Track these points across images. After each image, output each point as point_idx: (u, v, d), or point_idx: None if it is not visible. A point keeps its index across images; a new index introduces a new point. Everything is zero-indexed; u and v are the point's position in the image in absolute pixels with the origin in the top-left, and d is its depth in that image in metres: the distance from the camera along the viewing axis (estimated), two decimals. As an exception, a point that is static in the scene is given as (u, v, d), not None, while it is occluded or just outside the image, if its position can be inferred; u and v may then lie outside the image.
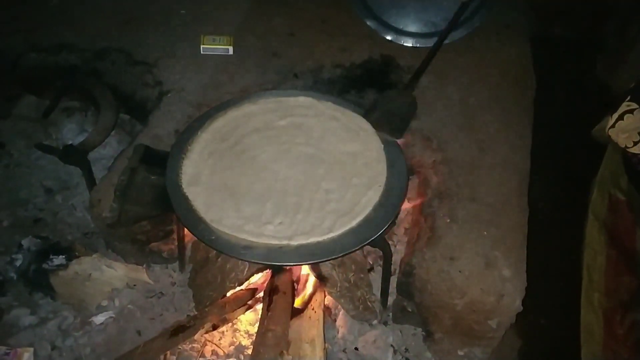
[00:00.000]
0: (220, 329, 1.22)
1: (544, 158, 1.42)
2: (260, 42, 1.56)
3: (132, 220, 1.17)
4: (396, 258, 1.23)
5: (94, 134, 1.38)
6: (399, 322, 1.24)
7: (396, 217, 1.06)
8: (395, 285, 1.18)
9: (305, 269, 1.26)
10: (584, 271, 1.04)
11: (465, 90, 1.43)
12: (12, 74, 1.54)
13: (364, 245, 0.99)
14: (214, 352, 1.20)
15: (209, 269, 1.21)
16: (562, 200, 1.66)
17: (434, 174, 1.23)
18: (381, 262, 1.23)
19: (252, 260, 0.97)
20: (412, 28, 1.56)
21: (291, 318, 1.13)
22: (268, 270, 1.20)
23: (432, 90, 1.44)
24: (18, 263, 1.29)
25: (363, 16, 1.57)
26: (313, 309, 1.20)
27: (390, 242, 1.21)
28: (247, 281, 1.21)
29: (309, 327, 1.16)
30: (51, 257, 1.27)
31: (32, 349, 1.17)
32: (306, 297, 1.25)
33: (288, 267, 1.17)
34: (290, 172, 1.09)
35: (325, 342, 1.18)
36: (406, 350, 1.23)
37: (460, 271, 1.07)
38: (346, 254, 0.98)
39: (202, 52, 1.51)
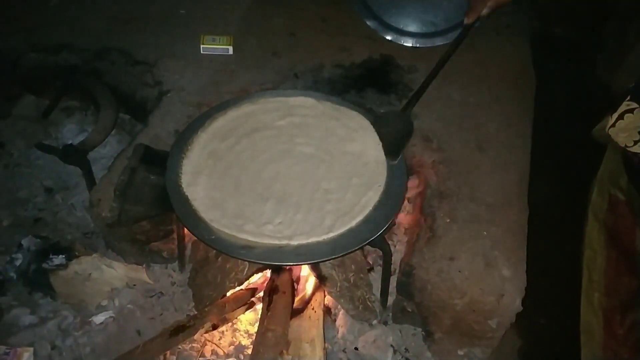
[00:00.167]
0: (220, 329, 1.22)
1: (544, 158, 1.42)
2: (260, 42, 1.56)
3: (132, 220, 1.17)
4: (396, 258, 1.23)
5: (94, 133, 1.38)
6: (399, 322, 1.24)
7: (396, 217, 1.06)
8: (395, 285, 1.18)
9: (305, 269, 1.26)
10: (584, 271, 1.04)
11: (465, 90, 1.43)
12: (12, 73, 1.53)
13: (364, 245, 0.99)
14: (213, 352, 1.20)
15: (208, 269, 1.21)
16: (562, 200, 1.66)
17: (434, 173, 1.23)
18: (381, 262, 1.23)
19: (252, 260, 0.97)
20: (412, 28, 1.56)
21: (291, 318, 1.13)
22: (268, 270, 1.20)
23: (432, 90, 1.43)
24: (18, 263, 1.29)
25: (363, 16, 1.57)
26: (313, 309, 1.20)
27: (390, 242, 1.21)
28: (247, 281, 1.21)
29: (309, 326, 1.16)
30: (51, 256, 1.27)
31: (32, 349, 1.17)
32: (306, 297, 1.25)
33: (288, 267, 1.17)
34: (290, 171, 1.09)
35: (325, 342, 1.18)
36: (406, 350, 1.23)
37: (460, 271, 1.07)
38: (346, 254, 0.98)
39: (202, 52, 1.51)
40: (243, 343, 1.22)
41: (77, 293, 1.27)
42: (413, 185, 1.27)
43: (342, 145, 1.13)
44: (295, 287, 1.24)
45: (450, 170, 1.24)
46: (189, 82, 1.43)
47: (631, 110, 0.84)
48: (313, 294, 1.24)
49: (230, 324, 1.24)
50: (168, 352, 1.15)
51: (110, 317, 1.25)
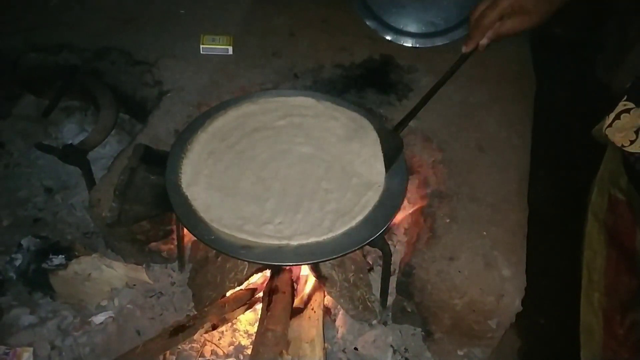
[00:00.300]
0: (220, 329, 1.22)
1: (544, 158, 1.42)
2: (260, 42, 1.56)
3: (132, 220, 1.17)
4: (396, 258, 1.23)
5: (94, 133, 1.38)
6: (399, 322, 1.24)
7: (395, 217, 1.06)
8: (394, 285, 1.18)
9: (305, 269, 1.26)
10: (584, 271, 1.04)
11: (465, 90, 1.43)
12: (12, 73, 1.53)
13: (364, 245, 0.99)
14: (213, 352, 1.20)
15: (208, 269, 1.21)
16: (562, 200, 1.66)
17: (433, 173, 1.23)
18: (381, 262, 1.23)
19: (252, 260, 0.97)
20: (412, 28, 1.56)
21: (291, 318, 1.13)
22: (267, 270, 1.20)
23: (432, 90, 1.44)
24: (17, 263, 1.29)
25: (363, 16, 1.57)
26: (313, 309, 1.20)
27: (389, 242, 1.21)
28: (247, 281, 1.21)
29: (309, 327, 1.16)
30: (51, 256, 1.27)
31: (31, 349, 1.16)
32: (306, 297, 1.25)
33: (287, 267, 1.17)
34: (289, 171, 1.09)
35: (324, 342, 1.18)
36: (406, 350, 1.23)
37: (459, 271, 1.07)
38: (346, 254, 0.98)
39: (201, 52, 1.51)
40: (243, 343, 1.22)
41: (76, 293, 1.27)
42: (413, 186, 1.27)
43: (342, 145, 1.13)
44: (295, 287, 1.24)
45: (450, 170, 1.24)
46: (188, 82, 1.43)
47: (627, 110, 0.84)
48: (313, 294, 1.24)
49: (230, 324, 1.24)
50: (168, 352, 1.15)
51: (110, 317, 1.25)
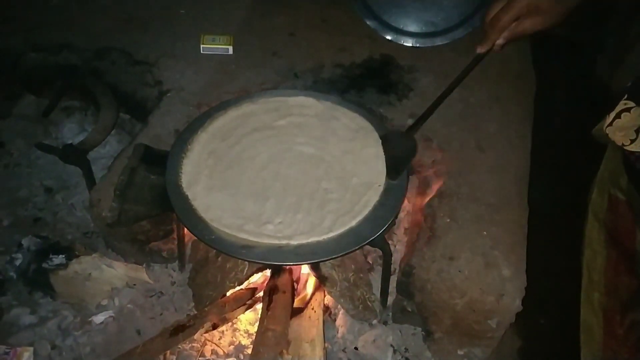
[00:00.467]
0: (220, 329, 1.22)
1: (544, 158, 1.42)
2: (260, 42, 1.56)
3: (132, 220, 1.17)
4: (396, 258, 1.23)
5: (94, 133, 1.38)
6: (399, 321, 1.24)
7: (396, 216, 1.06)
8: (395, 285, 1.18)
9: (305, 269, 1.26)
10: (584, 271, 1.04)
11: (465, 90, 1.43)
12: (13, 73, 1.54)
13: (364, 245, 0.99)
14: (213, 352, 1.20)
15: (208, 269, 1.21)
16: (562, 200, 1.66)
17: (433, 173, 1.23)
18: (381, 262, 1.23)
19: (252, 260, 0.97)
20: (412, 28, 1.56)
21: (291, 317, 1.13)
22: (268, 269, 1.20)
23: (432, 90, 1.44)
24: (18, 262, 1.29)
25: (363, 16, 1.57)
26: (313, 309, 1.20)
27: (390, 242, 1.21)
28: (247, 281, 1.21)
29: (309, 326, 1.16)
30: (51, 256, 1.27)
31: (32, 348, 1.16)
32: (306, 296, 1.25)
33: (288, 267, 1.17)
34: (290, 171, 1.09)
35: (325, 342, 1.18)
36: (406, 349, 1.23)
37: (460, 271, 1.07)
38: (346, 254, 0.98)
39: (202, 52, 1.51)
40: (243, 343, 1.22)
41: (77, 293, 1.27)
42: (413, 185, 1.27)
43: (342, 145, 1.13)
44: (295, 287, 1.24)
45: (450, 170, 1.24)
46: (189, 81, 1.43)
47: (628, 109, 0.84)
48: (313, 293, 1.25)
49: (230, 323, 1.24)
50: (168, 352, 1.15)
51: (110, 316, 1.25)
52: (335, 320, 1.27)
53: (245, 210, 1.01)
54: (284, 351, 1.08)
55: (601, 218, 1.01)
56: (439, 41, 1.55)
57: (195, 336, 1.15)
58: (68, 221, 1.45)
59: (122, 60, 1.50)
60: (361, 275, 1.19)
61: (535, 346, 1.47)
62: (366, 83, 1.44)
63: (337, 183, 1.06)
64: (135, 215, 1.16)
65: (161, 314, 1.27)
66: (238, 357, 1.20)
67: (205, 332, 1.16)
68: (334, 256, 0.98)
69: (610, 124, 0.85)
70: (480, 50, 0.98)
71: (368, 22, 1.57)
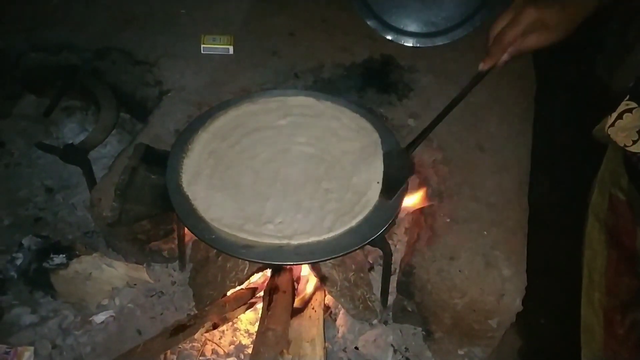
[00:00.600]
0: (221, 328, 1.22)
1: (544, 158, 1.42)
2: (260, 42, 1.56)
3: (133, 220, 1.17)
4: (396, 257, 1.23)
5: (95, 133, 1.39)
6: (399, 321, 1.25)
7: (396, 216, 1.06)
8: (395, 285, 1.18)
9: (306, 268, 1.26)
10: (584, 271, 1.04)
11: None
12: (13, 73, 1.54)
13: (364, 245, 0.99)
14: (214, 351, 1.20)
15: (209, 268, 1.21)
16: (562, 200, 1.66)
17: (434, 173, 1.23)
18: (381, 262, 1.23)
19: (252, 260, 0.97)
20: (413, 28, 1.56)
21: (291, 317, 1.13)
22: (268, 269, 1.20)
23: (432, 89, 1.44)
24: (18, 262, 1.29)
25: (363, 16, 1.58)
26: (313, 309, 1.20)
27: (390, 242, 1.21)
28: (248, 280, 1.21)
29: (309, 326, 1.16)
30: (52, 256, 1.27)
31: (32, 348, 1.17)
32: (306, 296, 1.25)
33: (288, 267, 1.17)
34: (290, 171, 1.09)
35: (325, 341, 1.18)
36: (406, 349, 1.23)
37: (460, 271, 1.07)
38: (346, 254, 0.98)
39: (202, 52, 1.51)
40: (243, 342, 1.23)
41: (77, 292, 1.27)
42: (413, 185, 1.27)
43: (342, 144, 1.13)
44: (296, 287, 1.24)
45: (450, 169, 1.24)
46: (189, 81, 1.43)
47: (630, 110, 0.84)
48: (313, 293, 1.25)
49: (230, 323, 1.24)
50: (168, 352, 1.15)
51: (111, 316, 1.25)
52: (335, 320, 1.27)
53: (245, 210, 1.01)
54: (285, 351, 1.09)
55: (601, 218, 1.01)
56: (439, 41, 1.55)
57: (196, 336, 1.15)
58: (69, 221, 1.45)
59: (123, 60, 1.50)
60: (361, 275, 1.19)
61: (535, 346, 1.47)
62: (366, 83, 1.44)
63: (337, 183, 1.06)
64: (135, 215, 1.16)
65: (162, 314, 1.27)
66: (238, 356, 1.20)
67: (205, 332, 1.16)
68: (334, 256, 0.98)
69: (612, 125, 0.85)
70: (484, 67, 0.94)
71: (368, 22, 1.57)
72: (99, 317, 1.25)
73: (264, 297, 1.17)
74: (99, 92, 1.43)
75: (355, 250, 1.00)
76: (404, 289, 1.15)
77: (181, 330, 1.10)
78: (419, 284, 1.10)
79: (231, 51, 1.52)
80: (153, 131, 1.30)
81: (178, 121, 1.31)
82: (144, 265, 1.31)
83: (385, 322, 1.25)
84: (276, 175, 1.08)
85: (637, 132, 0.82)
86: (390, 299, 1.23)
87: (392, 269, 1.17)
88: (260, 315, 1.14)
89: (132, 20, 1.62)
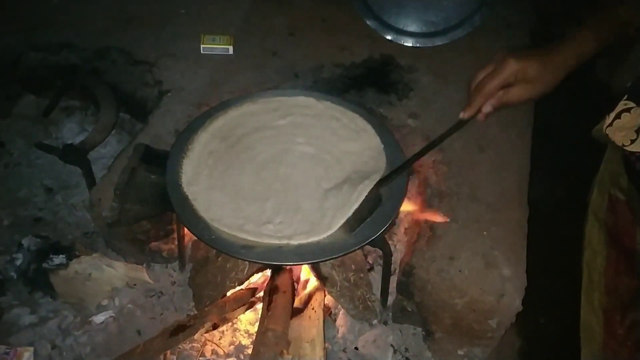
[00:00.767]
0: (220, 329, 1.22)
1: (544, 158, 1.42)
2: (260, 42, 1.56)
3: (132, 220, 1.17)
4: (396, 257, 1.23)
5: (94, 133, 1.38)
6: (399, 321, 1.25)
7: (396, 216, 1.06)
8: (395, 285, 1.18)
9: (305, 269, 1.26)
10: (584, 271, 1.04)
11: (465, 90, 1.43)
12: (13, 73, 1.53)
13: (364, 245, 0.99)
14: (214, 352, 1.20)
15: (209, 269, 1.21)
16: (562, 200, 1.66)
17: (433, 173, 1.23)
18: (381, 262, 1.23)
19: (252, 260, 0.97)
20: (412, 28, 1.56)
21: (291, 317, 1.13)
22: (268, 269, 1.20)
23: (432, 89, 1.44)
24: (18, 262, 1.29)
25: (363, 15, 1.58)
26: (313, 309, 1.20)
27: (390, 242, 1.21)
28: (247, 280, 1.21)
29: (309, 326, 1.16)
30: (51, 256, 1.27)
31: (32, 348, 1.16)
32: (306, 296, 1.25)
33: (288, 267, 1.17)
34: (290, 171, 1.09)
35: (325, 342, 1.18)
36: (406, 349, 1.23)
37: (460, 271, 1.07)
38: (346, 254, 0.98)
39: (202, 52, 1.51)
40: (243, 343, 1.23)
41: (77, 293, 1.27)
42: (413, 185, 1.27)
43: (342, 144, 1.13)
44: (296, 287, 1.24)
45: (450, 169, 1.24)
46: (189, 81, 1.43)
47: (628, 110, 0.84)
48: (313, 293, 1.24)
49: (230, 323, 1.24)
50: (168, 352, 1.15)
51: (111, 316, 1.25)
52: (335, 320, 1.27)
53: (245, 210, 1.01)
54: (284, 351, 1.09)
55: (601, 218, 1.01)
56: (439, 41, 1.55)
57: (196, 336, 1.15)
58: (68, 221, 1.45)
59: (122, 60, 1.50)
60: (361, 275, 1.19)
61: (535, 346, 1.47)
62: (366, 83, 1.44)
63: (337, 183, 1.06)
64: (135, 215, 1.16)
65: (161, 314, 1.27)
66: (238, 357, 1.20)
67: (205, 332, 1.16)
68: (334, 256, 0.98)
69: (611, 124, 0.85)
70: (464, 115, 0.91)
71: (368, 22, 1.57)
72: (99, 318, 1.25)
73: (263, 297, 1.17)
74: (99, 92, 1.43)
75: (355, 250, 1.00)
76: (404, 289, 1.15)
77: (181, 330, 1.10)
78: (418, 284, 1.10)
79: (231, 51, 1.52)
80: (153, 131, 1.30)
81: (178, 121, 1.31)
82: (144, 265, 1.31)
83: (385, 322, 1.25)
84: (276, 175, 1.08)
85: (635, 131, 0.82)
86: (390, 299, 1.23)
87: (392, 269, 1.17)
88: (260, 316, 1.14)
89: (131, 20, 1.62)
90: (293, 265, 1.16)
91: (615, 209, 0.98)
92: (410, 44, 1.56)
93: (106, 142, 1.47)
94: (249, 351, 1.18)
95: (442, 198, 1.18)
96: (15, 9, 1.63)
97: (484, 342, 1.14)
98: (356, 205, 0.99)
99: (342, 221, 0.98)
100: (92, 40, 1.54)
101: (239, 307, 1.21)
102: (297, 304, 1.21)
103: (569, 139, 1.72)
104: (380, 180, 1.03)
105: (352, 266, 1.17)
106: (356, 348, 1.22)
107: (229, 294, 1.22)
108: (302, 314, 1.19)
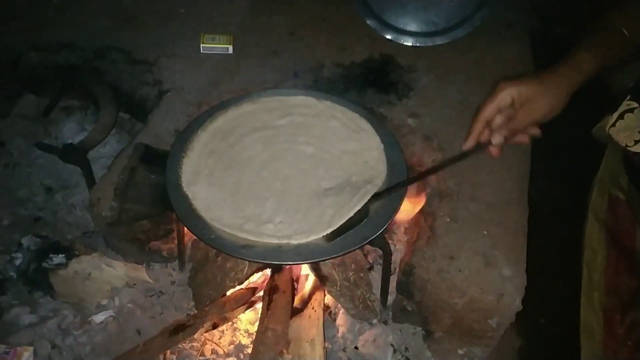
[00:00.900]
0: (220, 328, 1.22)
1: (544, 158, 1.42)
2: (260, 41, 1.56)
3: (132, 219, 1.17)
4: (396, 257, 1.23)
5: (94, 132, 1.38)
6: (399, 321, 1.25)
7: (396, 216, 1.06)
8: (395, 285, 1.18)
9: (305, 268, 1.26)
10: (584, 271, 1.04)
11: (465, 90, 1.43)
12: (13, 72, 1.53)
13: (364, 245, 0.99)
14: (213, 351, 1.20)
15: (208, 268, 1.21)
16: (562, 200, 1.66)
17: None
18: (381, 261, 1.23)
19: (252, 260, 0.97)
20: (412, 27, 1.56)
21: (291, 317, 1.13)
22: (268, 269, 1.20)
23: (432, 89, 1.44)
24: (18, 262, 1.29)
25: (363, 15, 1.57)
26: (313, 308, 1.20)
27: (390, 242, 1.21)
28: (247, 280, 1.21)
29: (309, 326, 1.16)
30: (51, 256, 1.27)
31: (32, 348, 1.16)
32: (306, 296, 1.25)
33: (288, 266, 1.17)
34: (290, 171, 1.09)
35: (325, 341, 1.18)
36: (406, 349, 1.23)
37: (460, 270, 1.07)
38: (346, 253, 0.98)
39: (202, 51, 1.51)
40: (243, 342, 1.23)
41: (77, 292, 1.27)
42: (413, 185, 1.27)
43: (342, 144, 1.13)
44: (295, 287, 1.24)
45: (450, 169, 1.23)
46: (189, 81, 1.43)
47: (631, 110, 0.84)
48: (313, 293, 1.24)
49: (230, 323, 1.24)
50: (168, 351, 1.15)
51: (110, 316, 1.25)
52: (335, 319, 1.27)
53: (245, 210, 1.01)
54: (284, 351, 1.08)
55: (601, 218, 1.01)
56: (439, 40, 1.55)
57: (196, 335, 1.15)
58: (68, 221, 1.45)
59: (122, 59, 1.50)
60: (361, 274, 1.19)
61: (535, 346, 1.47)
62: (366, 82, 1.44)
63: (337, 182, 1.06)
64: (135, 215, 1.16)
65: (161, 314, 1.27)
66: (238, 356, 1.20)
67: (205, 332, 1.16)
68: (334, 256, 0.98)
69: (614, 125, 0.85)
70: (465, 147, 0.88)
71: (368, 22, 1.57)
72: (99, 317, 1.25)
73: (263, 296, 1.17)
74: (99, 92, 1.43)
75: (355, 250, 1.00)
76: (404, 288, 1.15)
77: (181, 330, 1.10)
78: (418, 284, 1.10)
79: (231, 50, 1.52)
80: (152, 131, 1.30)
81: (177, 121, 1.31)
82: (144, 265, 1.31)
83: (385, 322, 1.25)
84: (276, 174, 1.08)
85: (638, 132, 0.82)
86: (390, 298, 1.23)
87: (392, 269, 1.17)
88: (259, 315, 1.14)
89: (131, 20, 1.61)
90: (293, 264, 1.16)
91: (615, 208, 0.98)
92: (410, 44, 1.56)
93: (106, 142, 1.47)
94: (249, 350, 1.18)
95: (442, 198, 1.18)
96: (15, 8, 1.63)
97: (483, 341, 1.14)
98: (358, 207, 0.99)
99: (342, 221, 0.98)
100: (92, 40, 1.54)
101: (238, 307, 1.21)
102: (297, 303, 1.21)
103: (569, 139, 1.72)
104: (375, 194, 1.00)
105: (352, 266, 1.17)
106: (356, 347, 1.22)
107: (228, 293, 1.22)
108: (302, 313, 1.19)
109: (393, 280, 1.19)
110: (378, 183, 1.04)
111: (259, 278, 1.26)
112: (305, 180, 1.07)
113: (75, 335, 1.22)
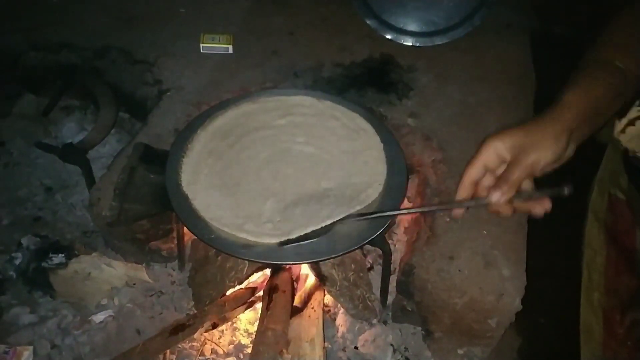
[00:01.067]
0: (220, 328, 1.22)
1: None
2: (260, 41, 1.56)
3: (132, 219, 1.17)
4: (396, 257, 1.23)
5: (94, 132, 1.38)
6: (399, 321, 1.24)
7: (396, 216, 1.06)
8: (394, 284, 1.18)
9: (305, 268, 1.26)
10: (584, 271, 1.04)
11: (465, 89, 1.43)
12: (12, 72, 1.53)
13: (364, 244, 0.99)
14: (213, 351, 1.20)
15: (208, 268, 1.21)
16: (562, 200, 1.66)
17: (433, 173, 1.23)
18: (381, 261, 1.23)
19: (252, 259, 0.97)
20: (412, 27, 1.56)
21: (291, 317, 1.13)
22: (267, 269, 1.20)
23: (432, 89, 1.44)
24: (17, 262, 1.29)
25: (363, 15, 1.57)
26: (312, 308, 1.20)
27: (389, 241, 1.21)
28: (247, 280, 1.21)
29: (309, 326, 1.16)
30: (51, 255, 1.27)
31: (31, 348, 1.16)
32: (306, 296, 1.25)
33: (287, 266, 1.17)
34: (289, 171, 1.08)
35: (324, 341, 1.18)
36: (406, 349, 1.23)
37: (459, 270, 1.07)
38: (346, 253, 0.98)
39: (201, 51, 1.51)
40: (243, 342, 1.22)
41: (76, 292, 1.27)
42: (413, 185, 1.27)
43: (342, 144, 1.13)
44: (295, 286, 1.24)
45: (450, 169, 1.23)
46: (188, 81, 1.43)
47: None
48: (313, 293, 1.24)
49: (230, 323, 1.24)
50: (168, 351, 1.15)
51: (110, 316, 1.25)
52: (335, 319, 1.27)
53: (245, 210, 1.01)
54: (284, 350, 1.08)
55: (601, 218, 1.01)
56: (439, 40, 1.55)
57: (195, 335, 1.15)
58: (68, 220, 1.45)
59: (122, 59, 1.50)
60: (361, 274, 1.19)
61: (535, 346, 1.47)
62: (366, 82, 1.44)
63: (336, 182, 1.06)
64: (135, 215, 1.16)
65: (161, 313, 1.27)
66: (238, 356, 1.20)
67: (205, 332, 1.16)
68: (333, 255, 0.98)
69: (623, 131, 0.84)
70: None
71: (368, 21, 1.57)
72: (98, 317, 1.24)
73: (263, 296, 1.17)
74: (98, 92, 1.43)
75: (355, 249, 1.00)
76: (404, 288, 1.14)
77: (180, 329, 1.10)
78: (418, 284, 1.10)
79: (230, 50, 1.52)
80: (152, 130, 1.30)
81: (177, 120, 1.31)
82: (143, 264, 1.31)
83: (385, 322, 1.25)
84: (276, 174, 1.08)
85: None
86: (390, 298, 1.23)
87: (392, 269, 1.17)
88: (259, 315, 1.14)
89: (131, 20, 1.61)
90: (293, 264, 1.15)
91: (615, 209, 0.98)
92: (410, 43, 1.56)
93: (106, 142, 1.47)
94: (249, 350, 1.18)
95: (442, 198, 1.18)
96: (15, 8, 1.63)
97: (483, 341, 1.14)
98: (358, 208, 0.99)
99: (340, 216, 0.97)
100: (92, 39, 1.54)
101: (238, 307, 1.21)
102: (296, 303, 1.21)
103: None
104: (359, 214, 0.97)
105: (352, 265, 1.17)
106: (356, 347, 1.22)
107: (228, 293, 1.22)
108: (301, 313, 1.19)
109: (393, 280, 1.19)
110: (378, 187, 1.03)
111: (258, 278, 1.26)
112: (305, 180, 1.07)
113: (75, 334, 1.21)
